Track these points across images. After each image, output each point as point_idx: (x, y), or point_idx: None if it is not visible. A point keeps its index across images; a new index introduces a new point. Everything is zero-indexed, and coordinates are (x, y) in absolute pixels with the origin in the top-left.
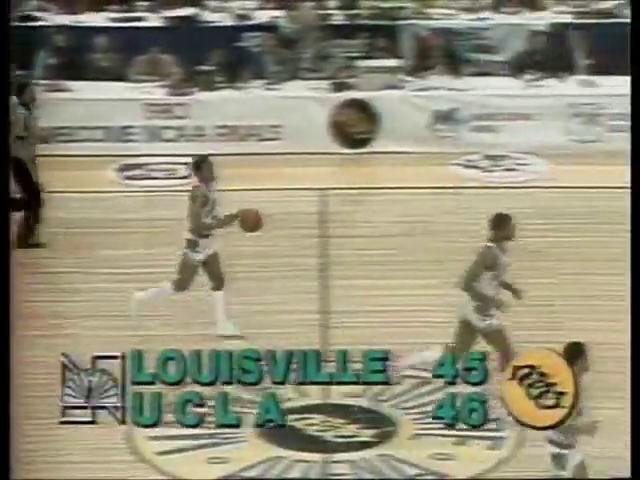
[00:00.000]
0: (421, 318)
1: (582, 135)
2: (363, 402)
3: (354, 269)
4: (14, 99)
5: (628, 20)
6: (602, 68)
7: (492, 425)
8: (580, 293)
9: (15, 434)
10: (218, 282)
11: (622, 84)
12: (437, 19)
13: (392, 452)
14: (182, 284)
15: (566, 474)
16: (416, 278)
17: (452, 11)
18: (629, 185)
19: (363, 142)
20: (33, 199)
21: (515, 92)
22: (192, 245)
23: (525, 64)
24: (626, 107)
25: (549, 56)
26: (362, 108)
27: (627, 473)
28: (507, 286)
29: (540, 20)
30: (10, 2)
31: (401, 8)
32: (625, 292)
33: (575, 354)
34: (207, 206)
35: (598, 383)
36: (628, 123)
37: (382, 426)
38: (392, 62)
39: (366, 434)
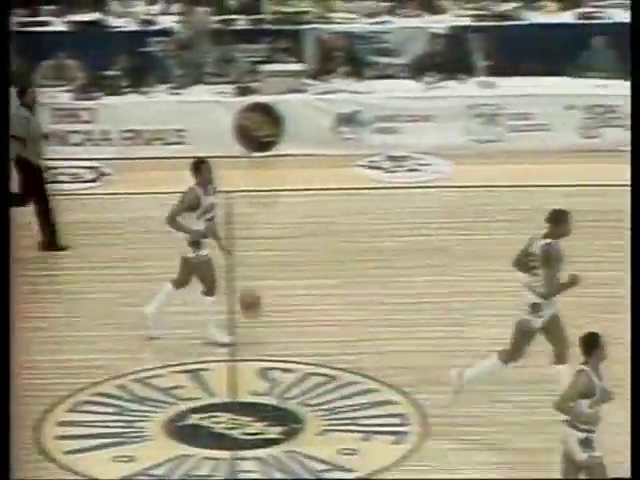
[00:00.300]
0: (325, 317)
1: (482, 135)
2: (270, 400)
3: (259, 269)
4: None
5: (526, 22)
6: (501, 69)
7: (396, 420)
8: (482, 289)
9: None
10: (210, 288)
11: (521, 85)
12: (339, 23)
13: (299, 448)
14: (181, 283)
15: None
16: (319, 278)
17: (353, 15)
18: (530, 183)
19: (268, 145)
20: (43, 199)
21: (416, 94)
22: (195, 245)
23: (425, 66)
24: (524, 107)
25: (449, 58)
26: (266, 112)
27: (627, 473)
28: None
29: (440, 23)
30: (11, 3)
31: (303, 13)
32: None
33: (591, 344)
34: (198, 209)
35: None
36: (527, 122)
37: (289, 423)
38: (295, 66)
39: (273, 431)
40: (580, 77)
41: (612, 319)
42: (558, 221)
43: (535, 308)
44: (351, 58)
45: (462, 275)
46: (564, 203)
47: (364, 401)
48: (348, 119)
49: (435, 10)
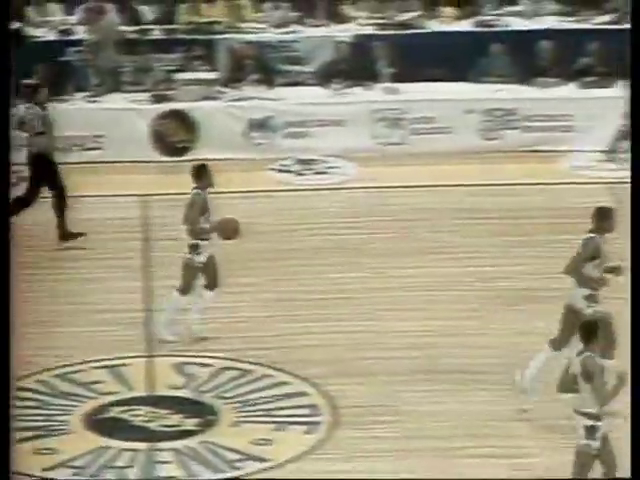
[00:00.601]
0: (238, 313)
1: (387, 138)
2: (186, 394)
3: (176, 270)
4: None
5: (427, 30)
6: (404, 76)
7: (308, 411)
8: (386, 285)
9: None
10: (213, 282)
11: (423, 90)
12: (249, 33)
13: (214, 439)
14: (186, 288)
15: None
16: (233, 277)
17: (263, 25)
18: (433, 184)
19: (183, 150)
20: (61, 191)
21: (324, 100)
22: (194, 249)
23: (332, 74)
24: (426, 111)
25: (354, 66)
26: (181, 118)
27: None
28: (610, 269)
29: (345, 32)
30: (10, 3)
31: (216, 23)
32: (429, 283)
33: (592, 331)
34: (206, 212)
35: None
36: (429, 126)
37: (205, 415)
38: (208, 74)
39: (189, 423)
40: (479, 82)
41: (517, 310)
42: (603, 218)
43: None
44: (262, 66)
45: (369, 271)
46: (466, 202)
47: (277, 393)
48: (260, 125)
49: (341, 19)
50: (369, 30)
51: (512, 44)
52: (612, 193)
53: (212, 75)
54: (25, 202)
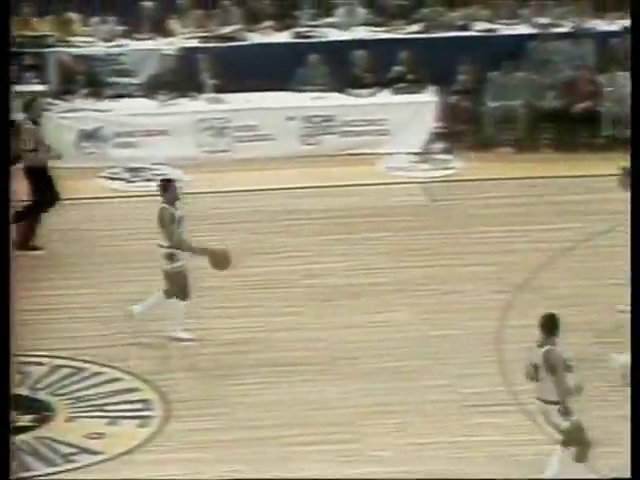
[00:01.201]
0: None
1: (212, 146)
2: (22, 391)
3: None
4: (22, 115)
5: (247, 43)
6: (227, 86)
7: (140, 406)
8: (215, 284)
9: None
10: (184, 293)
11: (246, 100)
12: (79, 46)
13: (49, 434)
14: (177, 293)
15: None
16: (65, 279)
17: (92, 39)
18: (257, 188)
19: (14, 160)
20: (48, 204)
21: (151, 111)
22: (170, 258)
23: (159, 85)
24: (249, 120)
25: (180, 77)
26: (14, 129)
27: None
28: None
29: (170, 45)
30: (10, 8)
31: (46, 37)
32: (256, 282)
33: (553, 324)
34: (174, 223)
35: None
36: (252, 133)
37: (40, 411)
38: (40, 87)
39: (25, 419)
40: (299, 91)
41: (339, 305)
42: None
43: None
44: (91, 79)
45: (199, 272)
46: (289, 204)
47: (110, 389)
48: (90, 135)
49: (166, 33)
50: (193, 43)
51: (329, 54)
52: (426, 192)
53: (43, 87)
54: (26, 214)
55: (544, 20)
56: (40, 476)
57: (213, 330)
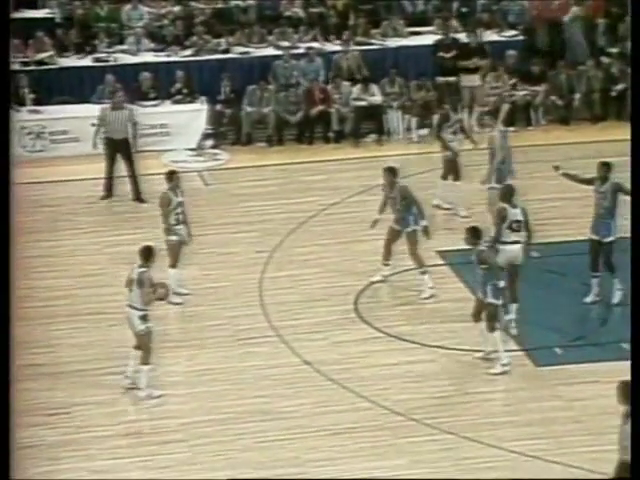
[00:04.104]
0: None
1: (32, 147)
2: None
3: None
4: None
5: (57, 66)
6: (43, 100)
7: None
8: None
9: None
10: (175, 262)
11: (55, 110)
12: None
13: None
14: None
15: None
16: None
17: None
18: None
19: None
20: None
21: None
22: (168, 231)
23: None
24: (59, 126)
25: None
26: None
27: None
28: None
29: None
30: (10, 5)
31: None
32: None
33: None
34: (170, 206)
35: None
36: (63, 137)
37: None
38: None
39: None
40: (99, 103)
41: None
42: None
43: None
44: None
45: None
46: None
47: None
48: None
49: None
50: (16, 67)
51: (121, 74)
52: (201, 178)
53: None
54: None
55: (285, 43)
56: None
57: None
